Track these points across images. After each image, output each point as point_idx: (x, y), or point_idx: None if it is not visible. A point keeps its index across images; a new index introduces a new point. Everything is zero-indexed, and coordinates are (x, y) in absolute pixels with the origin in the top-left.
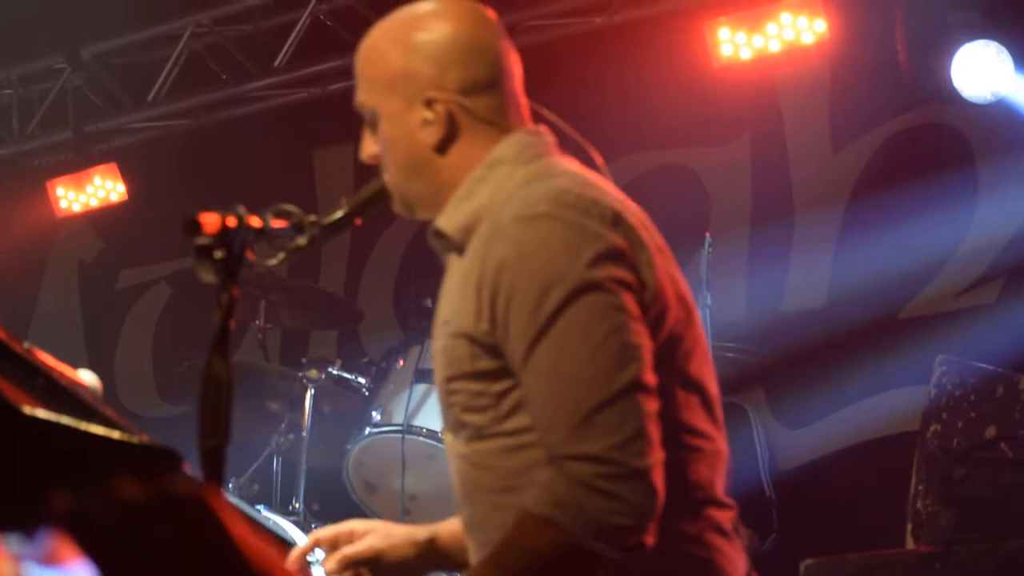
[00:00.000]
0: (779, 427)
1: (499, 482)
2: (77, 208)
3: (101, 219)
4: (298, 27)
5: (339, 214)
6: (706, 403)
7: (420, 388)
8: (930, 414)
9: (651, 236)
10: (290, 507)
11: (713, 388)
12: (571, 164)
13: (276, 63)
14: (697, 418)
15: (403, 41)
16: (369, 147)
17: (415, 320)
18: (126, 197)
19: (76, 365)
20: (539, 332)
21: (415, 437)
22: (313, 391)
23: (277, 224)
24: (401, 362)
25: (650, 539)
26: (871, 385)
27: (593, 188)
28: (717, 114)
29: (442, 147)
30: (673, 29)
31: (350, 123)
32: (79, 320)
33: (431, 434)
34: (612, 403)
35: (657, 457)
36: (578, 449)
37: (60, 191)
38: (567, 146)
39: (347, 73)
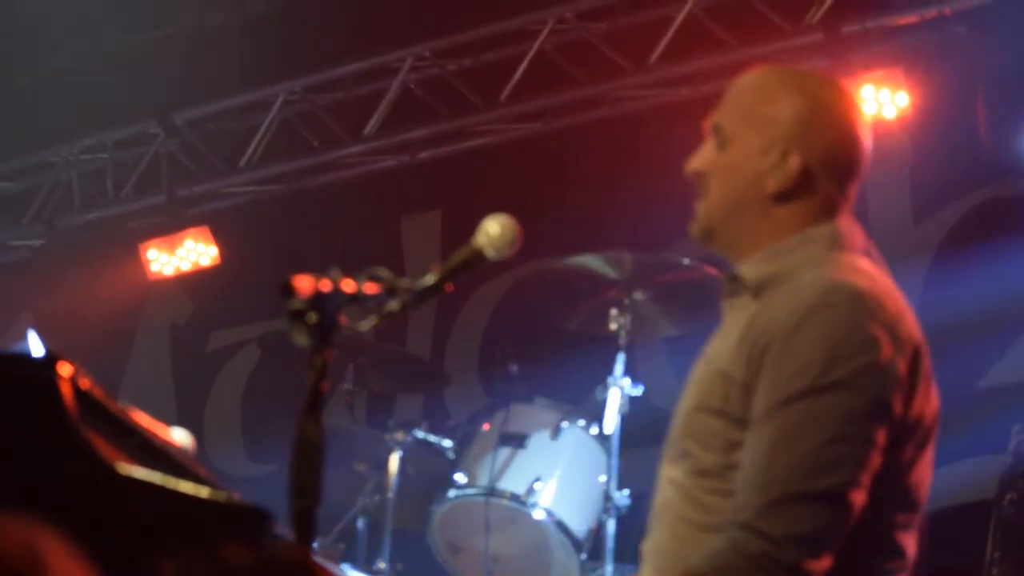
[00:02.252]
0: None
1: (698, 516)
2: (169, 271)
3: (193, 282)
4: (388, 95)
5: (431, 280)
6: (913, 524)
7: (505, 451)
8: (1007, 482)
9: (925, 347)
10: (375, 567)
11: (920, 513)
12: (873, 268)
13: (366, 130)
14: (904, 538)
15: (788, 93)
16: (699, 162)
17: (500, 385)
18: (218, 260)
19: (166, 425)
20: (783, 402)
21: (499, 500)
22: (399, 453)
23: (370, 289)
24: (486, 426)
25: None
26: (947, 453)
27: (896, 303)
28: None
29: (779, 198)
30: None
31: (437, 190)
32: (170, 381)
33: (515, 497)
34: (809, 500)
35: (823, 567)
36: (760, 524)
37: (152, 254)
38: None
39: (436, 141)
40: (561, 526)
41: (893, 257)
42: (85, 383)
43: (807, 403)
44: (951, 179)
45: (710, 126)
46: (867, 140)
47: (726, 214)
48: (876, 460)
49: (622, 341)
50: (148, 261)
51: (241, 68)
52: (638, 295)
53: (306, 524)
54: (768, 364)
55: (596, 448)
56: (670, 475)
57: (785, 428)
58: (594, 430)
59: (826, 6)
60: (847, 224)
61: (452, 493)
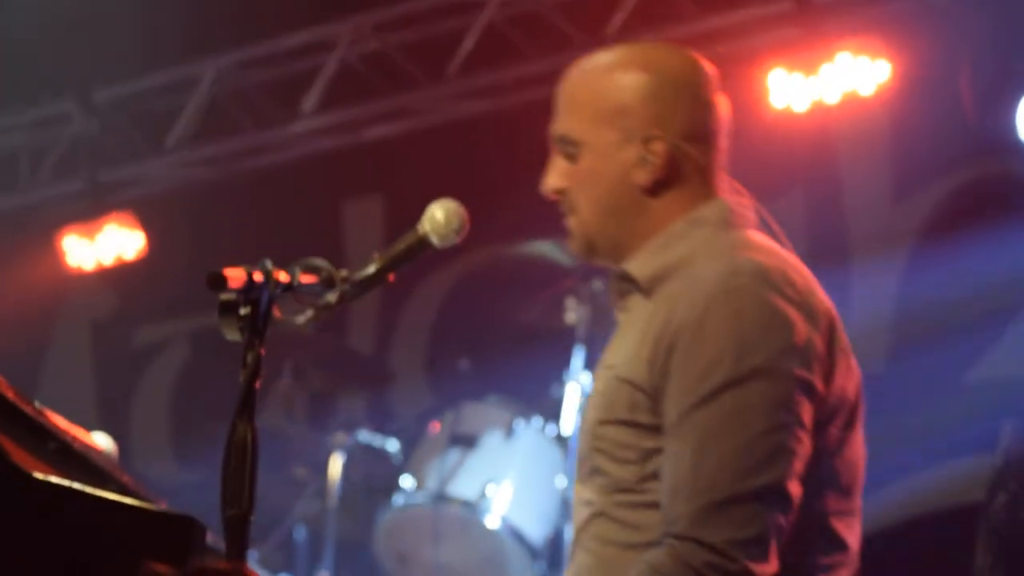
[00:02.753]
0: None
1: (620, 534)
2: (89, 261)
3: (116, 273)
4: (326, 71)
5: (372, 269)
6: (851, 512)
7: (454, 453)
8: (997, 484)
9: (843, 335)
10: None
11: (858, 499)
12: (772, 242)
13: (303, 109)
14: (841, 527)
15: (629, 75)
16: (556, 180)
17: (449, 382)
18: (143, 250)
19: (87, 428)
20: (700, 401)
21: (449, 506)
22: (341, 456)
23: (306, 279)
24: (435, 426)
25: None
26: (934, 452)
27: (803, 275)
28: (769, 163)
29: (653, 189)
30: (723, 75)
31: (381, 172)
32: (91, 382)
33: (466, 504)
34: (745, 500)
35: (771, 568)
36: (697, 533)
37: (71, 243)
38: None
39: (379, 119)
40: (516, 534)
41: (870, 240)
42: None
43: (726, 398)
44: (934, 156)
45: (554, 138)
46: (718, 95)
47: (603, 223)
48: (807, 445)
49: (580, 334)
50: (65, 251)
51: (167, 42)
52: (597, 284)
53: (238, 533)
54: (677, 363)
55: (553, 449)
56: (584, 496)
57: (707, 428)
58: (551, 430)
59: None
60: (733, 198)
61: (398, 499)
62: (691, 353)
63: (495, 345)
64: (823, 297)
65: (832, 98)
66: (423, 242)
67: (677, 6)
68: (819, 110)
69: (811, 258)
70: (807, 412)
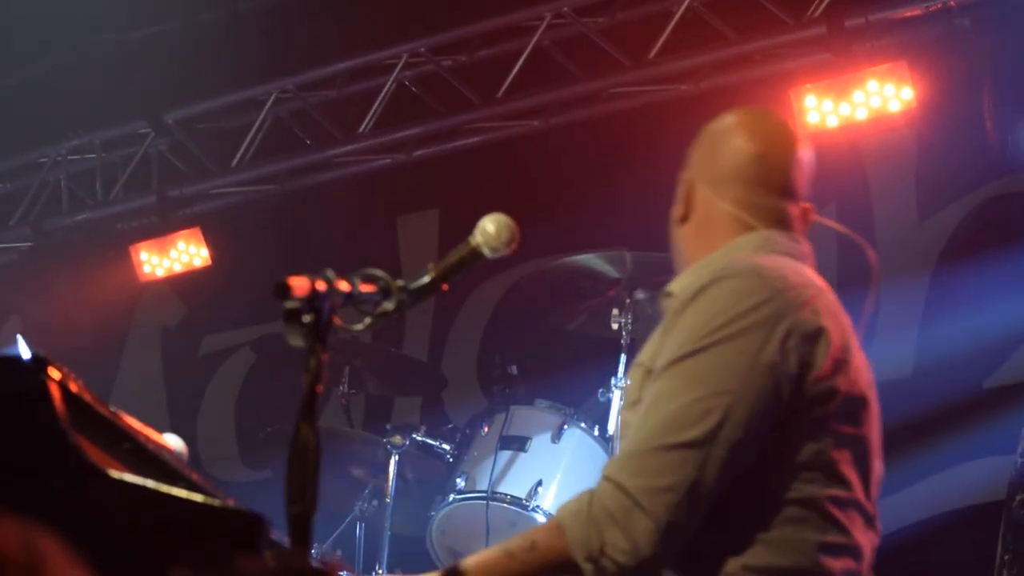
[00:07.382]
0: None
1: None
2: (160, 273)
3: (184, 284)
4: (383, 93)
5: (426, 279)
6: (851, 503)
7: (505, 455)
8: (1016, 483)
9: (840, 328)
10: (373, 574)
11: (860, 493)
12: (803, 267)
13: (360, 129)
14: (839, 514)
15: (703, 133)
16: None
17: (500, 387)
18: (209, 262)
19: (159, 430)
20: (670, 363)
21: (499, 504)
22: (397, 457)
23: (365, 288)
24: (486, 429)
25: None
26: (956, 454)
27: (803, 277)
28: None
29: (683, 222)
30: (759, 97)
31: (434, 189)
32: (161, 385)
33: (515, 501)
34: (671, 450)
35: (681, 519)
36: (616, 475)
37: (143, 256)
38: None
39: (431, 139)
40: None
41: (898, 255)
42: (75, 386)
43: (689, 362)
44: (957, 175)
45: None
46: (785, 146)
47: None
48: (758, 414)
49: (624, 341)
50: (139, 263)
51: (232, 66)
52: (639, 294)
53: (302, 529)
54: (665, 336)
55: (599, 450)
56: None
57: (666, 388)
58: (597, 432)
59: None
60: (783, 232)
61: (451, 497)
62: (675, 327)
63: (543, 352)
64: (829, 302)
65: (861, 114)
66: (475, 253)
67: (715, 31)
68: (849, 126)
69: (844, 269)
70: (767, 387)
